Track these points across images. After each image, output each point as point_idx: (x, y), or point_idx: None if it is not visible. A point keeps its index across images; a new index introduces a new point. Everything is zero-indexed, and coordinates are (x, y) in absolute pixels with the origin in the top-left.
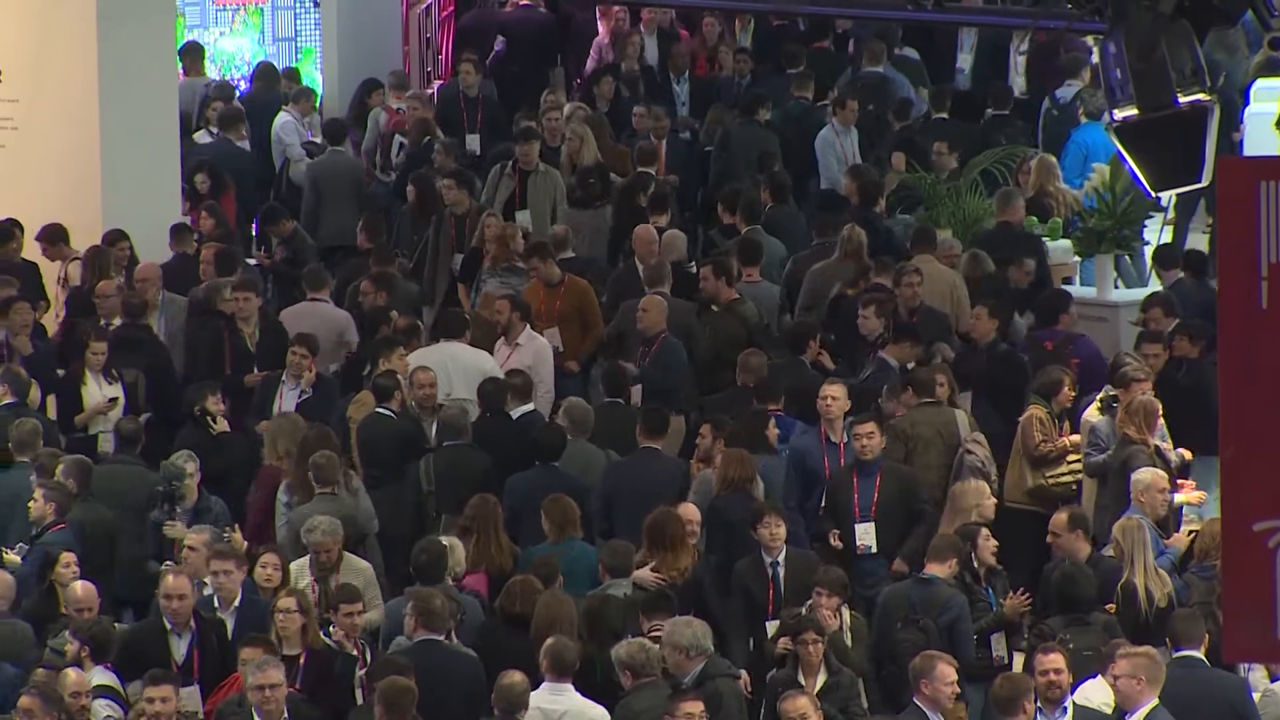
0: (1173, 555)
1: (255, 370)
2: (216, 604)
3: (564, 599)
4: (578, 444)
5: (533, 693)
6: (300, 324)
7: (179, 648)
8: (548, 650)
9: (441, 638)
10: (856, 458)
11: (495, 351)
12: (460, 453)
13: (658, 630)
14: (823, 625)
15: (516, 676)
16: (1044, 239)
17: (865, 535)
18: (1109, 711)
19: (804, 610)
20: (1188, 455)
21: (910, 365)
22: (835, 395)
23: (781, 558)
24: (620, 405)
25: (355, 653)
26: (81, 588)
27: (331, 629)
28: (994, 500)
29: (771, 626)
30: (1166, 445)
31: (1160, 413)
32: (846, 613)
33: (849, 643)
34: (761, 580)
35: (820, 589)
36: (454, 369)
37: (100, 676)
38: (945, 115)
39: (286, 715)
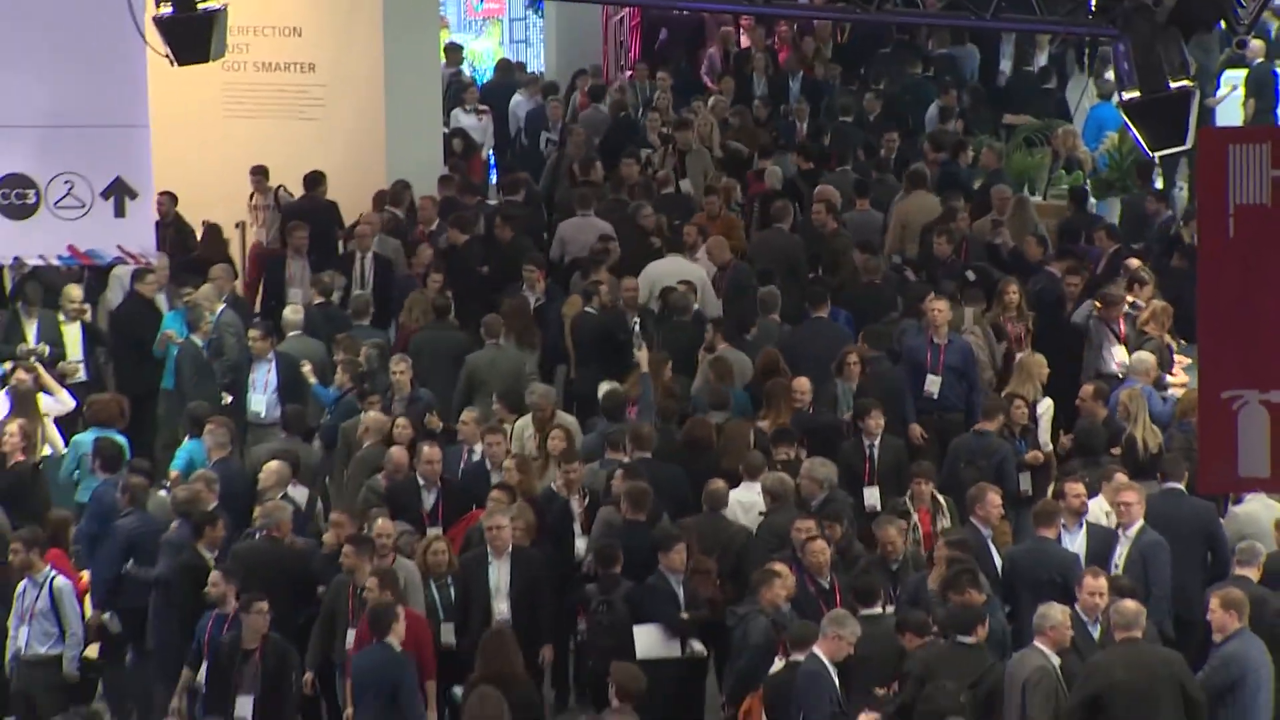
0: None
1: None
2: (489, 465)
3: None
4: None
5: (731, 491)
6: (577, 234)
7: (428, 500)
8: (745, 462)
9: (649, 455)
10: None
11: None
12: (683, 325)
13: (782, 455)
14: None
15: (720, 482)
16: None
17: (931, 385)
18: (1107, 523)
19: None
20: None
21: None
22: (940, 308)
23: (877, 442)
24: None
25: (577, 504)
26: (398, 452)
27: (555, 483)
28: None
29: (868, 492)
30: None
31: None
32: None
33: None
34: (860, 459)
35: (918, 477)
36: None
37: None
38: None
39: (510, 550)
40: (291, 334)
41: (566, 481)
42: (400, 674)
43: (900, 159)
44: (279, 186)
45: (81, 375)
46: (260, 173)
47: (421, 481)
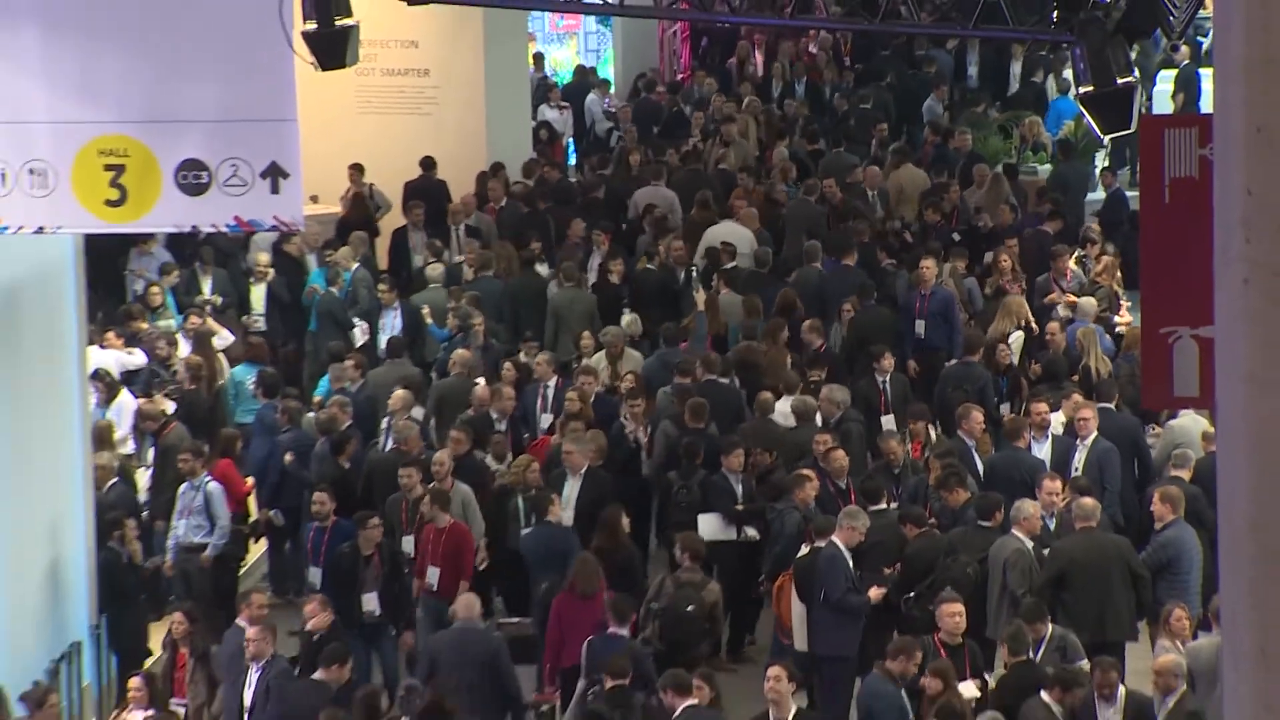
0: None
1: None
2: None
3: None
4: None
5: (777, 402)
6: (649, 200)
7: (501, 427)
8: (784, 380)
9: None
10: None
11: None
12: (754, 273)
13: (815, 376)
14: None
15: (768, 394)
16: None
17: (919, 328)
18: (1071, 436)
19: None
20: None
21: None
22: (928, 265)
23: (888, 378)
24: None
25: (643, 434)
26: (481, 390)
27: (624, 418)
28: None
29: (885, 419)
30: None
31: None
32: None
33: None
34: (875, 392)
35: (912, 418)
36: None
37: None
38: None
39: (582, 474)
40: (432, 285)
41: (632, 414)
42: (569, 545)
43: (908, 141)
44: (370, 184)
45: (261, 326)
46: (357, 169)
47: (495, 415)
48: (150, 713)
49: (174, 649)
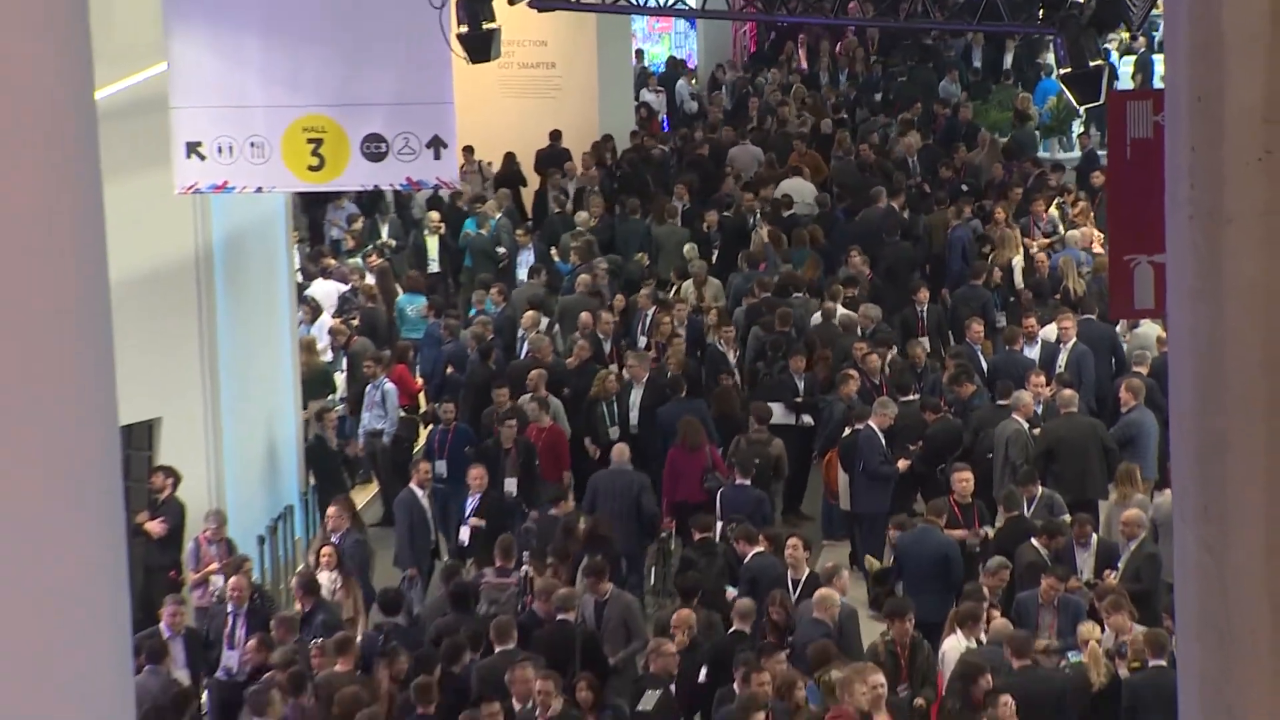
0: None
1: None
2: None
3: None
4: None
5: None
6: (740, 155)
7: (607, 346)
8: (831, 293)
9: None
10: None
11: None
12: (822, 214)
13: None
14: None
15: (833, 303)
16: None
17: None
18: (1053, 341)
19: None
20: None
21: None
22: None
23: (925, 307)
24: None
25: (732, 354)
26: (585, 316)
27: (718, 341)
28: None
29: (921, 341)
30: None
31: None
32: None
33: None
34: (914, 319)
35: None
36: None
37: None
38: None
39: (644, 382)
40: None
41: (724, 338)
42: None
43: (925, 116)
44: (480, 161)
45: (435, 268)
46: (469, 150)
47: (600, 336)
48: (335, 574)
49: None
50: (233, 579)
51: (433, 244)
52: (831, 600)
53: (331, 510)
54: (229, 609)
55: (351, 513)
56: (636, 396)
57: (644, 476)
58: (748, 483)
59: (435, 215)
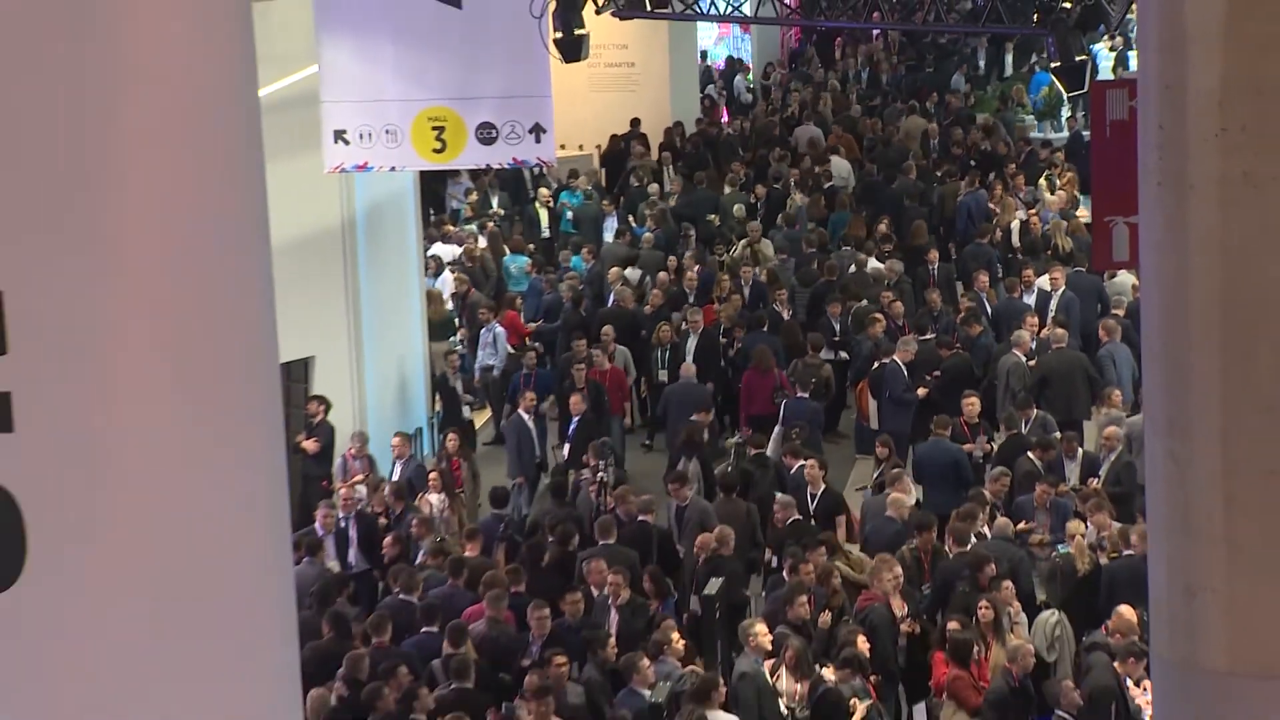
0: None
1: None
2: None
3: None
4: None
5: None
6: (803, 134)
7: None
8: (864, 249)
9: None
10: None
11: None
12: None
13: (885, 250)
14: None
15: (864, 255)
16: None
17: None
18: (1046, 289)
19: None
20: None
21: None
22: (954, 183)
23: (935, 266)
24: None
25: (783, 310)
26: (662, 276)
27: (774, 303)
28: None
29: (933, 292)
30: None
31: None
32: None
33: None
34: (927, 276)
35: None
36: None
37: None
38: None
39: (699, 333)
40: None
41: (779, 299)
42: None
43: (939, 103)
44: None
45: (545, 234)
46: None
47: (674, 289)
48: (442, 495)
49: (450, 457)
50: (343, 491)
51: (543, 214)
52: (903, 502)
53: (395, 440)
54: (341, 516)
55: (461, 441)
56: (692, 344)
57: (708, 389)
58: (806, 396)
59: (545, 191)
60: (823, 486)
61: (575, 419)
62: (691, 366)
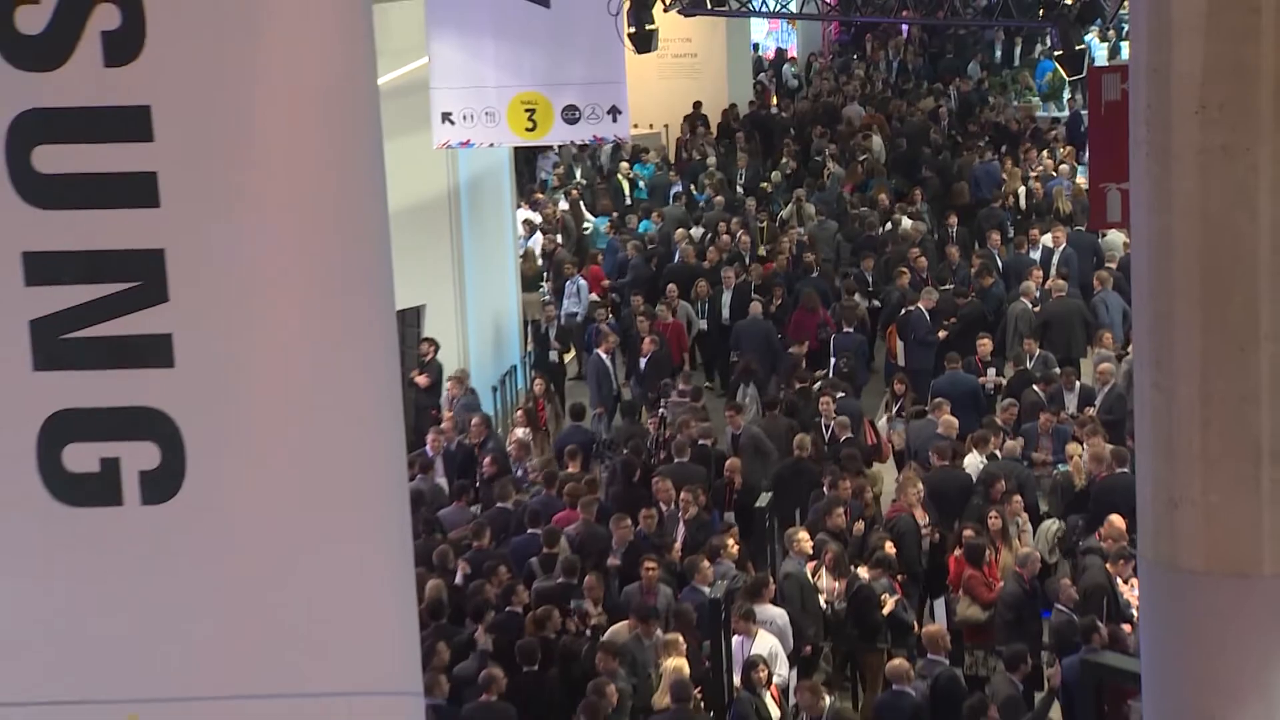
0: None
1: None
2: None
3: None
4: None
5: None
6: (850, 114)
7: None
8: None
9: None
10: None
11: None
12: (896, 158)
13: (911, 212)
14: None
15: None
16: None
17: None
18: (1050, 246)
19: None
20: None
21: None
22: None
23: (954, 230)
24: None
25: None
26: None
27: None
28: None
29: (952, 249)
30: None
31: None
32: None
33: None
34: (946, 236)
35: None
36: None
37: None
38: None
39: (733, 287)
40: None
41: (817, 261)
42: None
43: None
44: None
45: (627, 200)
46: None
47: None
48: (527, 429)
49: (537, 398)
50: (444, 424)
51: (625, 184)
52: (952, 423)
53: (449, 382)
54: (446, 441)
55: (547, 385)
56: (727, 298)
57: (770, 324)
58: (850, 330)
59: (626, 165)
60: (835, 418)
61: (644, 358)
62: (758, 306)
